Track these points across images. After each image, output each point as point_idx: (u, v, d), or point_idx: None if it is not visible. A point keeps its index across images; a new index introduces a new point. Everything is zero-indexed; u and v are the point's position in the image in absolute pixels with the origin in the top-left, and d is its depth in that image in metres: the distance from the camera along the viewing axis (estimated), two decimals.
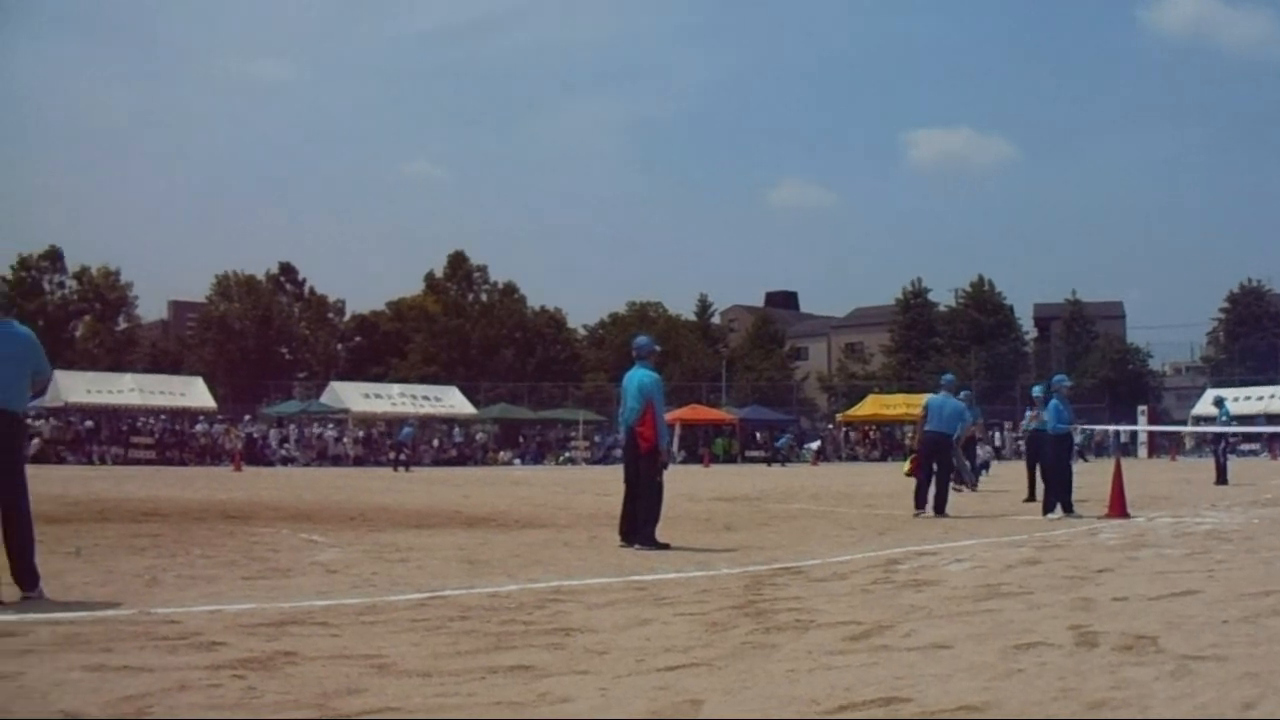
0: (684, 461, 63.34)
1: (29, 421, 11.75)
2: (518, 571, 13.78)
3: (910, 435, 27.42)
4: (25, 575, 10.85)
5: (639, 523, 16.86)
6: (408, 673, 7.60)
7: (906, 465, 27.22)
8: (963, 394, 24.22)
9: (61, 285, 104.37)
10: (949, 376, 26.03)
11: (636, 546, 16.54)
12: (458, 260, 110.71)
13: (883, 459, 76.55)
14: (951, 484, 24.27)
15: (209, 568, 13.90)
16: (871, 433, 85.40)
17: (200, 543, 17.10)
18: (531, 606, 10.72)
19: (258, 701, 6.73)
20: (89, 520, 20.66)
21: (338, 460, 68.52)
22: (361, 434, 73.36)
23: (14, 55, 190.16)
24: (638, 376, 17.39)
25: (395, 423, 70.71)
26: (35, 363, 11.30)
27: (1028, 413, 30.60)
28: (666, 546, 16.54)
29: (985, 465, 44.80)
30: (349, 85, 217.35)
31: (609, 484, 28.53)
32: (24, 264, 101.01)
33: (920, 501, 22.94)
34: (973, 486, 31.10)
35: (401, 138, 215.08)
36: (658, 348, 18.56)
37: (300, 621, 9.66)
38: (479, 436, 78.40)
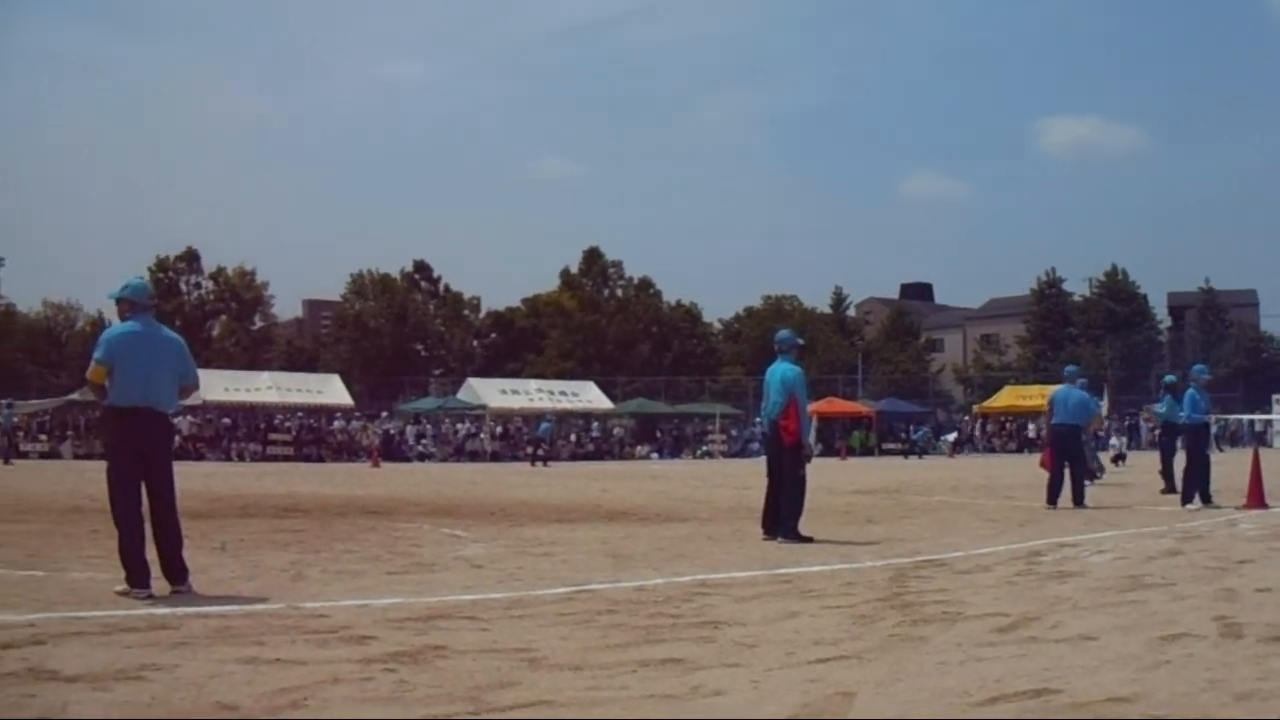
0: (821, 454, 63.17)
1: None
2: (662, 565, 13.83)
3: (1040, 430, 27.19)
4: (175, 570, 11.07)
5: (782, 516, 16.82)
6: (559, 666, 7.63)
7: (1041, 457, 26.92)
8: (1078, 382, 23.98)
9: (198, 286, 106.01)
10: (1071, 368, 25.87)
11: (780, 539, 16.52)
12: (593, 256, 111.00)
13: (1019, 450, 75.75)
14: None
15: (353, 563, 14.04)
16: (1008, 424, 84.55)
17: (343, 538, 17.29)
18: (679, 600, 10.74)
19: (410, 695, 6.77)
20: (232, 516, 20.95)
21: (474, 456, 68.66)
22: (499, 430, 73.50)
23: (151, 60, 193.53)
24: (780, 370, 17.33)
25: (532, 418, 70.82)
26: (183, 367, 11.49)
27: (1144, 408, 30.64)
28: (810, 539, 16.49)
29: (1122, 456, 44.51)
30: (482, 83, 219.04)
31: (747, 478, 28.47)
32: (161, 265, 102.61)
33: (1053, 496, 22.69)
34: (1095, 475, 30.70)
35: (536, 135, 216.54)
36: (800, 341, 18.47)
37: (448, 616, 9.71)
38: (616, 431, 78.32)
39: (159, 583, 10.91)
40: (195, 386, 12.04)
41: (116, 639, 8.53)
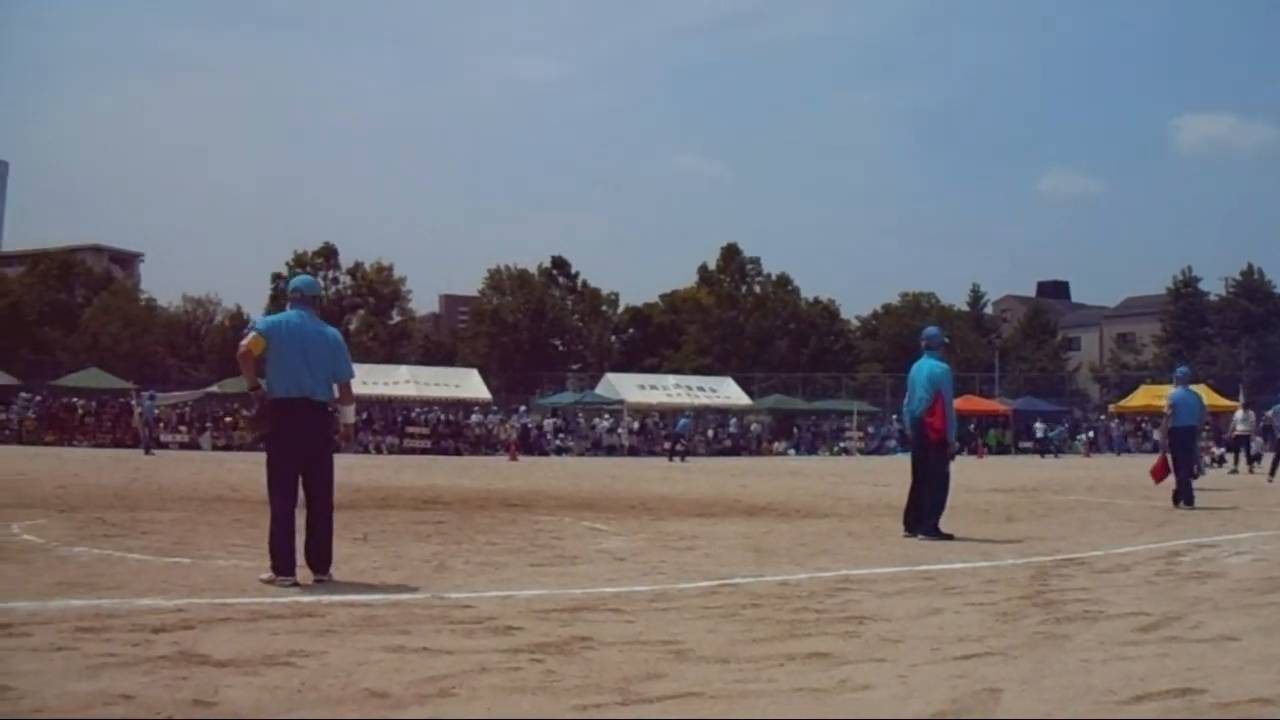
0: (957, 453, 62.96)
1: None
2: (805, 560, 13.83)
3: (1159, 433, 26.94)
4: (321, 558, 11.24)
5: (925, 512, 16.82)
6: (706, 659, 7.66)
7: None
8: (1185, 383, 23.86)
9: (336, 281, 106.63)
10: (1183, 369, 25.77)
11: (920, 536, 16.51)
12: (730, 252, 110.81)
13: (1155, 450, 74.84)
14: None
15: (496, 554, 14.14)
16: (1144, 424, 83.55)
17: (484, 530, 17.40)
18: (822, 595, 10.75)
19: (559, 685, 6.84)
20: (372, 507, 21.07)
21: (612, 450, 68.88)
22: (636, 425, 73.59)
23: (291, 59, 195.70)
24: (927, 366, 17.41)
25: (670, 414, 71.01)
26: (335, 363, 11.64)
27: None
28: (950, 537, 16.47)
29: (1258, 457, 44.02)
30: (618, 80, 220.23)
31: (886, 474, 28.41)
32: (299, 261, 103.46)
33: (1189, 498, 22.45)
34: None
35: (672, 131, 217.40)
36: (946, 339, 18.40)
37: (593, 608, 9.80)
38: (753, 427, 78.18)
39: (302, 571, 11.08)
40: (348, 381, 12.09)
41: (264, 625, 8.70)
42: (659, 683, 6.90)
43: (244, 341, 11.32)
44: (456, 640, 8.18)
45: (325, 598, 10.07)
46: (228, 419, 64.48)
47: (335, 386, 11.70)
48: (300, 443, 11.27)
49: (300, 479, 11.31)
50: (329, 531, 11.36)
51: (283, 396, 11.20)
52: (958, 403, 65.88)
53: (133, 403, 62.89)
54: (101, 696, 6.33)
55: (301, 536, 11.22)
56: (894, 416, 62.35)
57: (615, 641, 8.19)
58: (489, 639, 8.25)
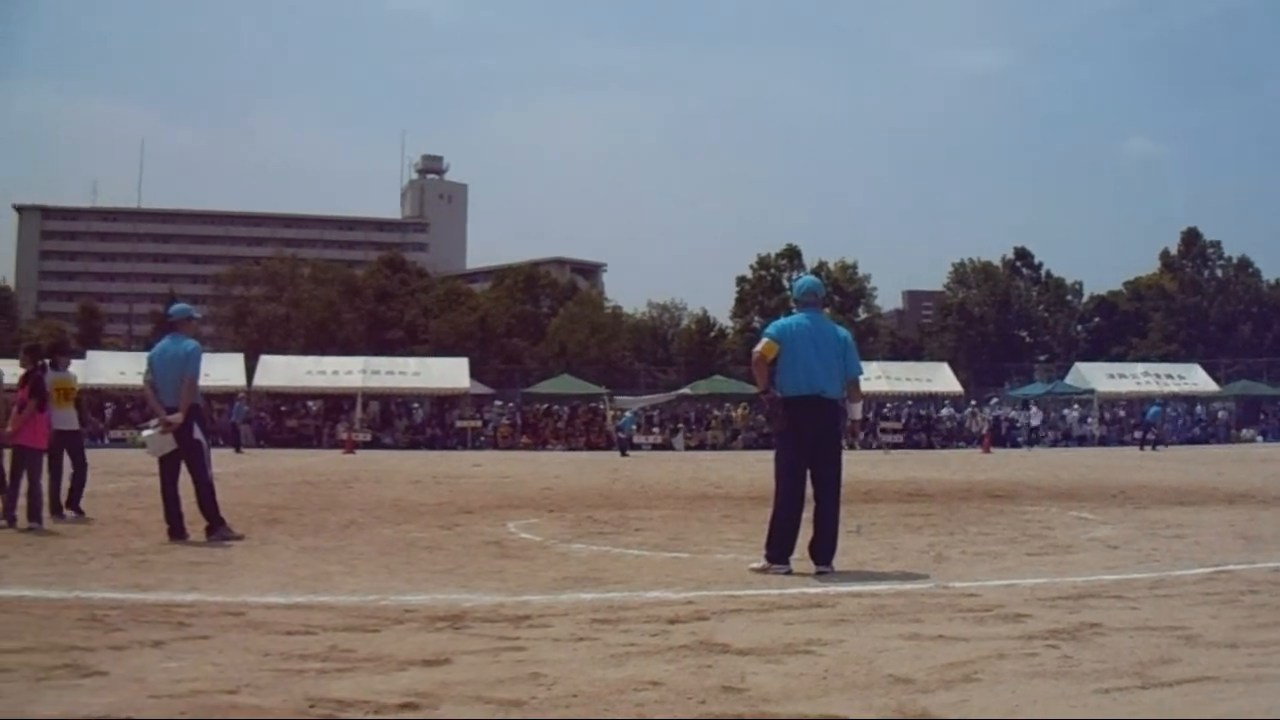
0: None
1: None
2: None
3: None
4: (825, 550, 11.64)
5: None
6: (1215, 644, 7.69)
7: None
8: None
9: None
10: None
11: None
12: (1191, 237, 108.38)
13: None
14: None
15: (990, 544, 14.31)
16: None
17: (974, 521, 17.62)
18: None
19: (1076, 670, 6.94)
20: (857, 500, 21.21)
21: (1082, 440, 67.98)
22: (1106, 414, 72.39)
23: (736, 71, 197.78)
24: None
25: (1139, 402, 69.58)
26: (845, 361, 12.13)
27: None
28: None
29: None
30: (1059, 66, 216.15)
31: None
32: (763, 263, 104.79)
33: None
34: None
35: (1117, 115, 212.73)
36: None
37: (1096, 595, 9.85)
38: (1221, 414, 76.23)
39: (803, 563, 11.43)
40: (858, 382, 12.50)
41: (776, 615, 8.97)
42: (1174, 667, 6.96)
43: (757, 348, 11.88)
44: (969, 628, 8.35)
45: (833, 588, 10.35)
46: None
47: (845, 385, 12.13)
48: (811, 439, 11.67)
49: (809, 474, 11.69)
50: (834, 525, 11.69)
51: (794, 394, 11.63)
52: None
53: (602, 406, 64.48)
54: (631, 683, 6.63)
55: (804, 530, 11.59)
56: None
57: (1124, 627, 8.26)
58: (1001, 626, 8.40)
